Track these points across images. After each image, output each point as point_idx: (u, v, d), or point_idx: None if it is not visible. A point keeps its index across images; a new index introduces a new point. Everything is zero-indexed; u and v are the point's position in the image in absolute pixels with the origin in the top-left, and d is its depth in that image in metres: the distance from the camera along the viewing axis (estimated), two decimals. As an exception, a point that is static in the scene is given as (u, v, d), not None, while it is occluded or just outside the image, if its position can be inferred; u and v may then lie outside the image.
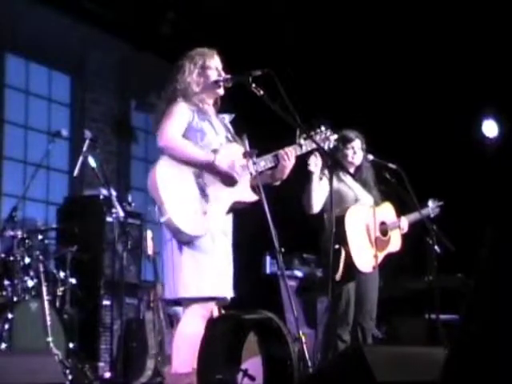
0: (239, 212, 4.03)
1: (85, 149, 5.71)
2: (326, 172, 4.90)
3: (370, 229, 4.96)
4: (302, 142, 4.04)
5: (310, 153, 4.25)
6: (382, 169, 5.16)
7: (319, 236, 4.98)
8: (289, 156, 3.98)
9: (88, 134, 5.79)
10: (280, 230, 3.76)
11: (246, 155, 3.90)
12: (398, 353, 3.45)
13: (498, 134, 7.88)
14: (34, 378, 3.42)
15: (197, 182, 3.84)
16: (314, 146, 4.09)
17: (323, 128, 4.17)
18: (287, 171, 4.00)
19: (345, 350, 4.44)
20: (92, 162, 5.70)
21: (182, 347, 3.86)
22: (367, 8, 7.54)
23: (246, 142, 3.91)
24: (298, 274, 7.14)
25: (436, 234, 5.11)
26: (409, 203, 5.20)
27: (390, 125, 7.67)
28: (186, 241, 3.78)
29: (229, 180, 3.92)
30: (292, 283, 6.89)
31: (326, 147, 4.12)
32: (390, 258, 5.12)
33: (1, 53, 7.28)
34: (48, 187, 7.71)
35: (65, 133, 5.88)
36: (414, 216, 5.20)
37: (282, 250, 3.78)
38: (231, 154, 3.94)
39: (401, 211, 5.25)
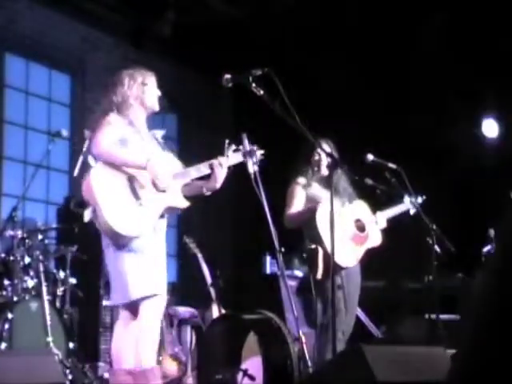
0: (239, 212, 4.03)
1: (85, 149, 5.70)
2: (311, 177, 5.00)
3: (344, 224, 4.95)
4: (230, 154, 4.08)
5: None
6: (382, 169, 5.15)
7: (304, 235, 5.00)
8: (222, 165, 4.04)
9: (88, 134, 5.77)
10: (280, 230, 3.76)
11: (245, 155, 3.90)
12: (398, 353, 3.45)
13: (498, 134, 7.88)
14: (33, 378, 3.42)
15: (130, 186, 3.94)
16: (241, 159, 4.10)
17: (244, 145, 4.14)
18: (221, 180, 4.06)
19: (345, 350, 4.44)
20: (92, 162, 5.68)
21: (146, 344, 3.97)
22: (368, 7, 7.54)
23: (246, 142, 3.91)
24: (298, 274, 7.12)
25: (436, 234, 5.10)
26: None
27: (390, 124, 7.67)
28: (123, 243, 3.87)
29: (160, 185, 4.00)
30: (292, 283, 6.86)
31: (251, 161, 4.07)
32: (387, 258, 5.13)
33: (1, 53, 7.28)
34: (48, 187, 7.70)
35: (65, 133, 5.87)
36: (392, 211, 5.21)
37: (282, 249, 3.78)
38: (163, 162, 4.01)
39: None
